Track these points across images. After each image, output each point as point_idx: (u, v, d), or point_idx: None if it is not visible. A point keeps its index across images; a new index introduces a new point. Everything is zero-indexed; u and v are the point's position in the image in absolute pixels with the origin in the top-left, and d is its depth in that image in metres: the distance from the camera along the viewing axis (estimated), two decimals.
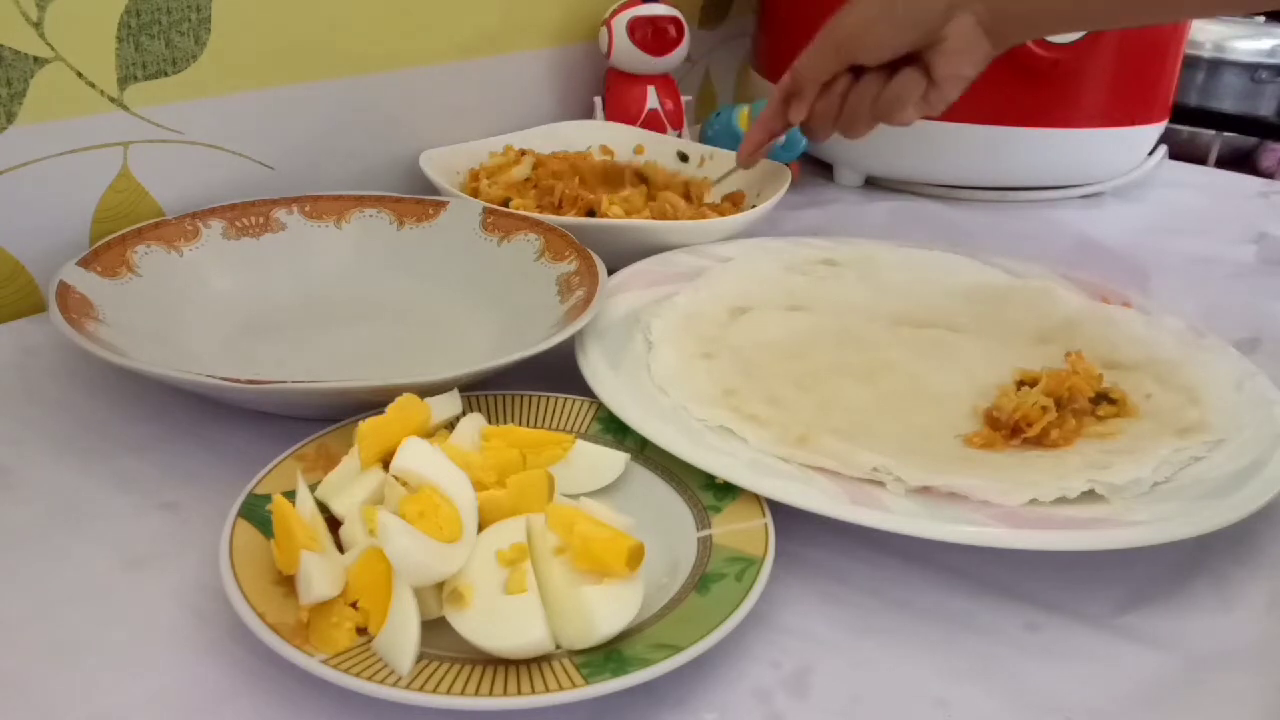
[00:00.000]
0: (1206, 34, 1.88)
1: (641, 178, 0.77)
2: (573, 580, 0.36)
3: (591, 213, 0.68)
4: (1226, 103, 1.89)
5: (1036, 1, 0.59)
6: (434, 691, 0.32)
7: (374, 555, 0.35)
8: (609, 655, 0.34)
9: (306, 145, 0.71)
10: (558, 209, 0.69)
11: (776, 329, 0.58)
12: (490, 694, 0.32)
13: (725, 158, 0.79)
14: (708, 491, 0.42)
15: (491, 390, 0.48)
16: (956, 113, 0.83)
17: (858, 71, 0.64)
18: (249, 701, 0.34)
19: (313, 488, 0.40)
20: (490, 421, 0.46)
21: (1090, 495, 0.42)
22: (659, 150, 0.81)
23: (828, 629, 0.39)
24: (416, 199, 0.65)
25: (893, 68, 0.62)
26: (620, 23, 0.83)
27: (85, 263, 0.54)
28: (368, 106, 0.74)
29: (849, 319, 0.60)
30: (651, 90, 0.86)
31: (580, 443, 0.44)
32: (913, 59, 0.61)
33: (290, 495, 0.39)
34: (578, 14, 0.87)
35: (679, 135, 0.87)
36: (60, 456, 0.47)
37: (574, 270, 0.57)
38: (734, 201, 0.74)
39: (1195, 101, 1.89)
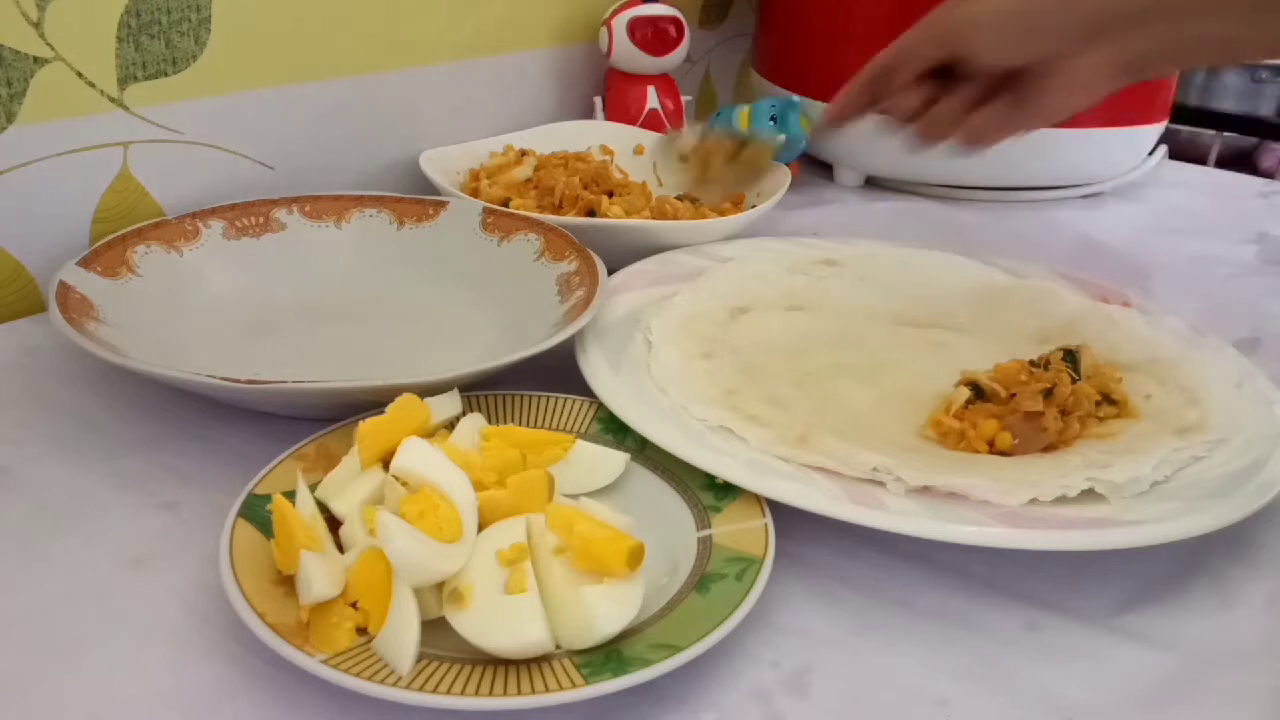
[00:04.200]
0: None
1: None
2: (573, 580, 0.36)
3: (591, 213, 0.68)
4: (1226, 103, 1.89)
5: (1188, 39, 0.50)
6: (434, 691, 0.32)
7: (374, 555, 0.35)
8: (609, 655, 0.34)
9: (306, 145, 0.71)
10: (558, 209, 0.69)
11: (776, 329, 0.58)
12: (490, 694, 0.32)
13: None
14: (708, 491, 0.42)
15: (491, 390, 0.48)
16: None
17: (949, 72, 0.55)
18: (249, 701, 0.34)
19: (313, 488, 0.40)
20: (490, 421, 0.46)
21: (1090, 495, 0.42)
22: None
23: (828, 628, 0.39)
24: (416, 199, 0.65)
25: (990, 82, 0.54)
26: (620, 23, 0.83)
27: (85, 263, 0.54)
28: (368, 106, 0.74)
29: (849, 319, 0.60)
30: (651, 90, 0.86)
31: (580, 443, 0.44)
32: (1016, 76, 0.53)
33: (290, 495, 0.39)
34: (578, 14, 0.87)
35: None
36: (60, 456, 0.47)
37: (574, 270, 0.57)
38: (734, 201, 0.74)
39: (1195, 101, 1.89)
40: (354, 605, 0.35)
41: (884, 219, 0.83)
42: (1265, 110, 1.90)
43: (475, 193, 0.71)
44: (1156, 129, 0.90)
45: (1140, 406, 0.50)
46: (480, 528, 0.37)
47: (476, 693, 0.32)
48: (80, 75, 0.59)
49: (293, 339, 0.57)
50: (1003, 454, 0.47)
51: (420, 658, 0.34)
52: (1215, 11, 0.48)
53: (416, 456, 0.38)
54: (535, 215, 0.63)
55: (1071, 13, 0.50)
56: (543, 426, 0.47)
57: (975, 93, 0.55)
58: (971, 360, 0.53)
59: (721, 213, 0.70)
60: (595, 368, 0.49)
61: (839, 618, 0.39)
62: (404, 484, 0.38)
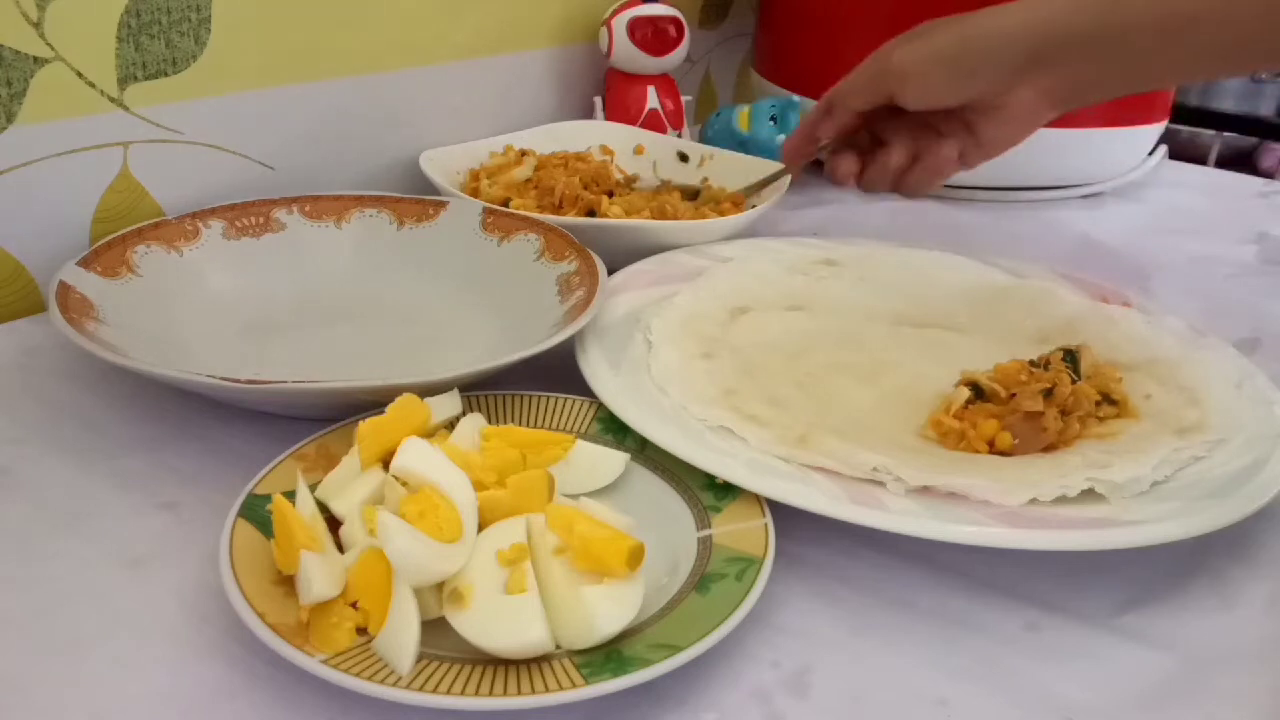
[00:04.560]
0: None
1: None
2: (573, 580, 0.36)
3: (591, 213, 0.68)
4: (1226, 103, 1.90)
5: (1123, 66, 0.50)
6: (434, 691, 0.32)
7: (374, 555, 0.35)
8: (609, 655, 0.34)
9: (306, 145, 0.71)
10: (558, 209, 0.69)
11: (776, 329, 0.58)
12: (490, 694, 0.32)
13: (727, 158, 0.79)
14: (708, 491, 0.42)
15: (491, 390, 0.48)
16: None
17: (895, 110, 0.56)
18: (249, 701, 0.34)
19: (313, 488, 0.40)
20: (490, 421, 0.46)
21: (1090, 495, 0.42)
22: (659, 150, 0.82)
23: (828, 628, 0.39)
24: (416, 199, 0.65)
25: (931, 121, 0.56)
26: (620, 23, 0.83)
27: (85, 263, 0.54)
28: (368, 106, 0.74)
29: (849, 319, 0.60)
30: (651, 90, 0.86)
31: (580, 443, 0.44)
32: (955, 113, 0.54)
33: (290, 495, 0.39)
34: (578, 14, 0.87)
35: (679, 135, 0.87)
36: (60, 456, 0.47)
37: (574, 270, 0.57)
38: (734, 201, 0.74)
39: (1195, 101, 1.89)
40: (354, 605, 0.35)
41: (884, 219, 0.83)
42: (1265, 110, 1.90)
43: (475, 193, 0.71)
44: (1156, 129, 0.90)
45: (1140, 406, 0.50)
46: (480, 528, 0.37)
47: (476, 693, 0.32)
48: (80, 75, 0.59)
49: (293, 339, 0.57)
50: (1003, 454, 0.47)
51: (420, 658, 0.34)
52: (1165, 33, 0.48)
53: (416, 456, 0.38)
54: (535, 215, 0.63)
55: (1007, 48, 0.50)
56: (543, 426, 0.47)
57: (914, 134, 0.57)
58: (971, 360, 0.53)
59: (721, 213, 0.70)
60: (595, 368, 0.49)
61: (839, 618, 0.39)
62: (404, 484, 0.38)
